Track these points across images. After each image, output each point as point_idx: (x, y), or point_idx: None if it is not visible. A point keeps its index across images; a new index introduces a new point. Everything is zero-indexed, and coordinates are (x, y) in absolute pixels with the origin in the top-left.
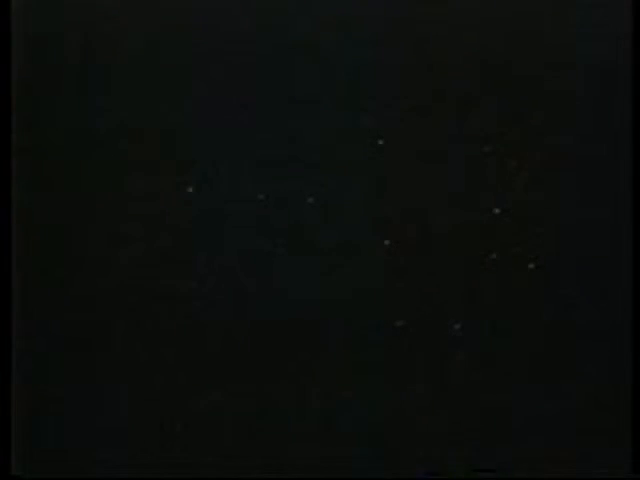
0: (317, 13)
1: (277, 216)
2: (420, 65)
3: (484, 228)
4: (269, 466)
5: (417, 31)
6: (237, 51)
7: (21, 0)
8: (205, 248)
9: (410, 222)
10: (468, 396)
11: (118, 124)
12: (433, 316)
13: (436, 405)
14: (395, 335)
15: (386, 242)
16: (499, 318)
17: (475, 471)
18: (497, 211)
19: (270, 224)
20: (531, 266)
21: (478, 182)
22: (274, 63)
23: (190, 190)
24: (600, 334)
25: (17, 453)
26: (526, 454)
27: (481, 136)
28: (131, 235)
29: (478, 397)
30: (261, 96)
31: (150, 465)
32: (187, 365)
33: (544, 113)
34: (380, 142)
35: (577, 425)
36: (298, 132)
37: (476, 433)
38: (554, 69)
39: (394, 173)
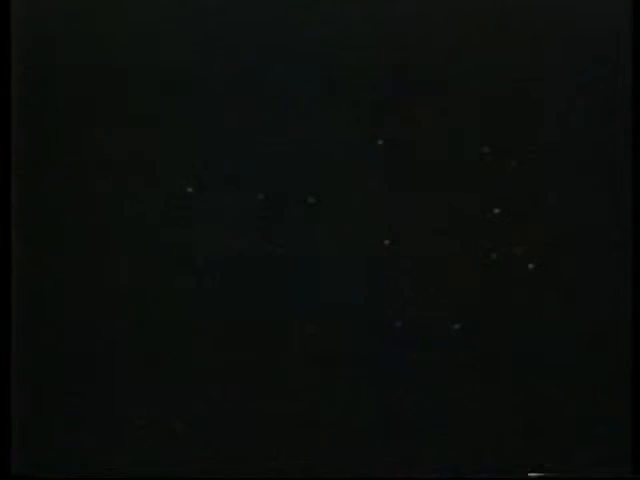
0: (317, 13)
1: (277, 216)
2: (420, 65)
3: (484, 228)
4: (269, 466)
5: (417, 31)
6: (237, 51)
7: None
8: (205, 248)
9: (410, 222)
10: (468, 396)
11: (118, 124)
12: (433, 316)
13: (436, 405)
14: (395, 335)
15: (386, 242)
16: (499, 318)
17: (475, 471)
18: (497, 211)
19: (270, 224)
20: (531, 266)
21: (478, 182)
22: (274, 63)
23: (190, 190)
24: (600, 334)
25: (17, 453)
26: (526, 454)
27: (481, 136)
28: (131, 235)
29: (478, 397)
30: (261, 96)
31: (150, 465)
32: (187, 365)
33: (544, 113)
34: (380, 142)
35: (577, 425)
36: (298, 132)
37: (476, 433)
38: (553, 70)
39: (394, 173)
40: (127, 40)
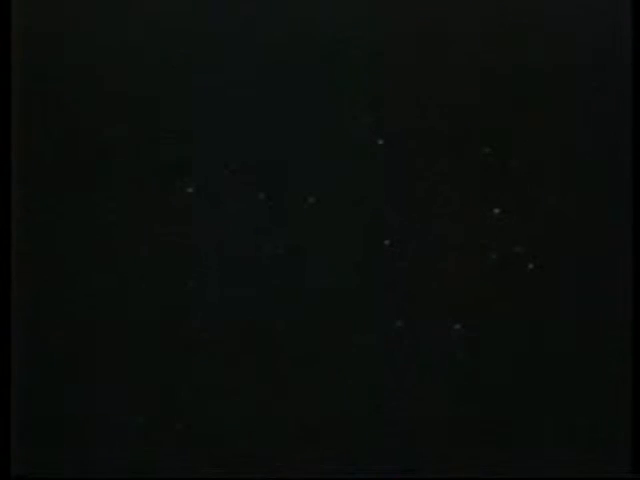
0: (317, 13)
1: (277, 216)
2: (420, 64)
3: (484, 228)
4: (269, 467)
5: (418, 31)
6: (238, 51)
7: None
8: (205, 248)
9: (410, 222)
10: (468, 396)
11: (118, 124)
12: (433, 316)
13: (436, 405)
14: (395, 335)
15: (386, 242)
16: (499, 318)
17: (474, 471)
18: (497, 211)
19: (270, 224)
20: (531, 266)
21: (478, 182)
22: (274, 63)
23: (190, 190)
24: (600, 334)
25: (17, 453)
26: (526, 454)
27: (481, 136)
28: (131, 235)
29: (478, 397)
30: (261, 96)
31: (151, 465)
32: (187, 365)
33: (543, 113)
34: (380, 142)
35: (577, 425)
36: (298, 132)
37: (476, 433)
38: (554, 68)
39: (394, 173)
40: (127, 38)
